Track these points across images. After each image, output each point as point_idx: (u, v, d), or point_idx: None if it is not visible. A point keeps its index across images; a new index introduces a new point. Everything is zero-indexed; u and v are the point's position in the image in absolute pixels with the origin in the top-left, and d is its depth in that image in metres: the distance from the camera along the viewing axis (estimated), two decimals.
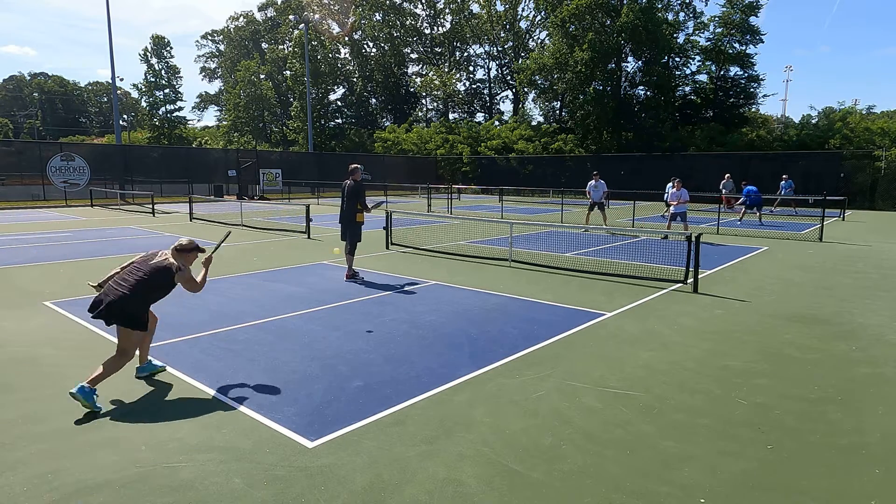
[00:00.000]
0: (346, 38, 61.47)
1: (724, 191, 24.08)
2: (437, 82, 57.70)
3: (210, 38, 79.32)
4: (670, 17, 41.96)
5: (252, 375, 5.05)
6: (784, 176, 24.32)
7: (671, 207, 15.18)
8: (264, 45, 69.46)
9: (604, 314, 7.29)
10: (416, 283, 9.11)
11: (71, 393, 4.23)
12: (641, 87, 42.39)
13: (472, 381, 4.98)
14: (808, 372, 5.32)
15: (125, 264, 4.86)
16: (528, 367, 5.35)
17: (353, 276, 9.44)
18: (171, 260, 4.76)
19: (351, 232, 9.53)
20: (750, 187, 20.18)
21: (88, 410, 4.26)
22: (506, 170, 42.23)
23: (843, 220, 22.15)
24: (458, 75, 60.45)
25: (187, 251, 4.90)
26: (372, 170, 42.07)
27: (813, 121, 39.08)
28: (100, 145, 54.10)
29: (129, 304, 4.50)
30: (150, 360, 5.10)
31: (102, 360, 4.55)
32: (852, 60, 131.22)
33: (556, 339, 6.19)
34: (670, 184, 21.31)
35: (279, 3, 69.44)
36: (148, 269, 4.68)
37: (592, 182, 17.29)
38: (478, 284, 9.07)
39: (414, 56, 64.31)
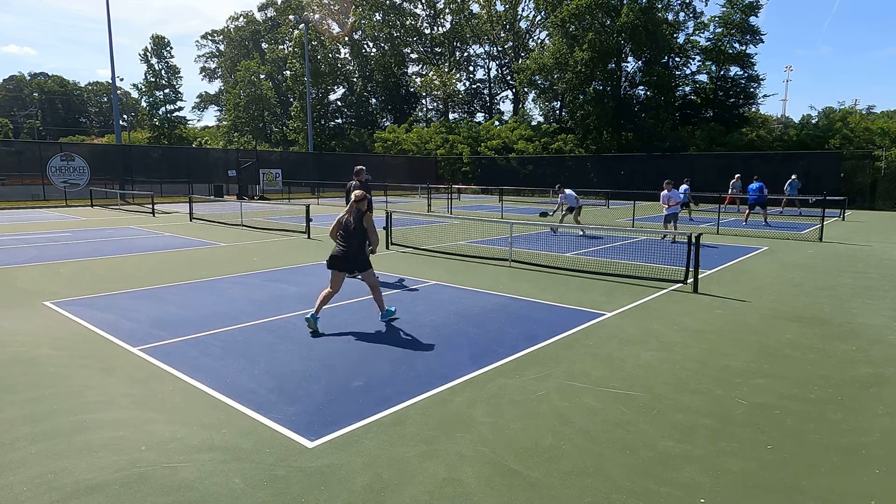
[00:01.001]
0: (346, 38, 61.47)
1: (732, 191, 24.11)
2: (437, 82, 57.70)
3: (210, 38, 79.36)
4: (670, 17, 41.98)
5: (252, 375, 5.05)
6: (793, 176, 24.10)
7: (665, 209, 14.56)
8: (264, 45, 69.42)
9: (604, 314, 7.30)
10: (416, 283, 9.11)
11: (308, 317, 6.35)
12: (641, 87, 42.41)
13: (472, 381, 4.98)
14: (808, 372, 5.32)
15: (337, 230, 6.50)
16: (528, 367, 5.35)
17: None
18: (359, 212, 6.51)
19: None
20: (752, 185, 19.93)
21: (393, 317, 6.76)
22: (506, 170, 42.23)
23: (843, 220, 22.15)
24: (458, 75, 60.48)
25: (363, 199, 6.57)
26: (372, 170, 42.02)
27: (813, 121, 39.11)
28: (100, 145, 54.14)
29: (360, 254, 6.48)
30: (389, 308, 6.87)
31: (102, 359, 4.60)
32: (852, 61, 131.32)
33: (556, 339, 6.19)
34: (683, 185, 21.31)
35: (279, 3, 69.45)
36: (356, 225, 6.46)
37: (562, 195, 16.38)
38: (478, 284, 9.07)
39: (414, 56, 64.36)
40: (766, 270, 10.61)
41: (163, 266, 10.62)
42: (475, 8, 58.78)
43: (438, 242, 14.00)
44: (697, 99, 42.67)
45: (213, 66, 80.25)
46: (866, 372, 5.34)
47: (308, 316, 6.34)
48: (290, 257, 11.75)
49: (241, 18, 72.80)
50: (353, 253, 6.42)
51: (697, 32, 41.95)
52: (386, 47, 60.95)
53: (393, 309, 6.95)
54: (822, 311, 7.62)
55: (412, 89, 62.38)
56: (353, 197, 6.59)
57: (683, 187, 21.12)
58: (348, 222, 6.48)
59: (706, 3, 76.80)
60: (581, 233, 16.30)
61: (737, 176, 24.85)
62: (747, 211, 20.08)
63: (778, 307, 7.79)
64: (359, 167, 9.66)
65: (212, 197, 30.96)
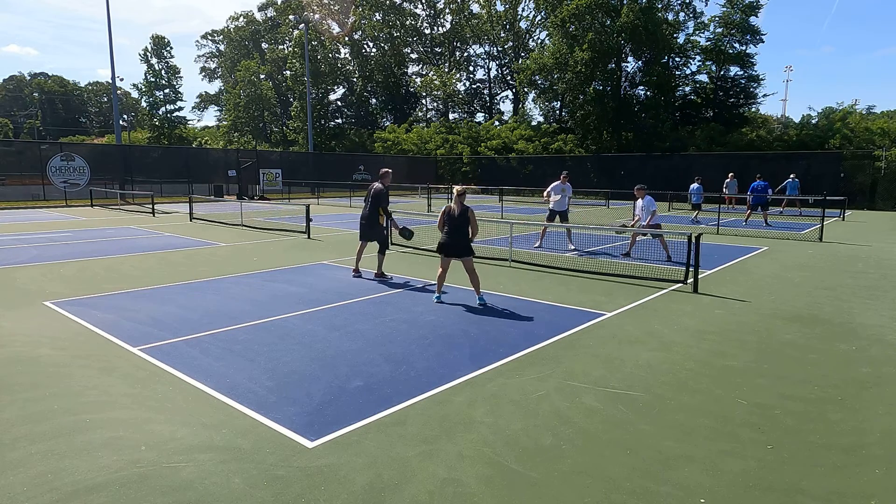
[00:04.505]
0: (346, 38, 61.45)
1: (726, 191, 23.99)
2: (437, 82, 57.67)
3: (210, 38, 79.27)
4: (670, 17, 42.01)
5: (252, 375, 5.05)
6: (791, 175, 23.51)
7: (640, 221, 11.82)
8: (264, 45, 69.41)
9: (604, 314, 7.29)
10: (417, 283, 9.11)
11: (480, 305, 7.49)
12: (641, 87, 42.39)
13: (472, 381, 4.98)
14: (808, 372, 5.32)
15: (445, 222, 7.67)
16: (528, 367, 5.35)
17: (381, 275, 9.59)
18: (463, 205, 7.67)
19: (376, 233, 9.69)
20: (755, 183, 19.56)
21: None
22: (506, 170, 42.24)
23: (843, 220, 22.15)
24: (458, 75, 60.44)
25: (464, 194, 7.76)
26: (372, 170, 42.09)
27: (813, 121, 39.09)
28: (100, 145, 54.06)
29: (463, 241, 7.64)
30: (482, 296, 7.65)
31: (101, 359, 4.62)
32: (852, 61, 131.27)
33: (556, 339, 6.19)
34: (695, 184, 20.83)
35: (279, 3, 69.40)
36: (463, 218, 7.60)
37: (558, 184, 13.21)
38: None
39: (414, 56, 64.31)
40: (766, 270, 10.61)
41: (163, 266, 10.62)
42: (475, 8, 58.85)
43: None
44: (697, 99, 42.68)
45: (213, 66, 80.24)
46: (866, 372, 5.34)
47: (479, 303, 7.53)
48: (290, 257, 11.75)
49: (241, 18, 72.76)
50: (462, 243, 7.65)
51: (697, 32, 42.00)
52: (386, 47, 60.92)
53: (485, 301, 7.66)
54: (822, 311, 7.62)
55: (412, 89, 62.34)
56: (459, 191, 7.71)
57: (695, 186, 20.67)
58: (459, 218, 7.62)
59: (706, 3, 76.67)
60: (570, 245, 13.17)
61: (730, 175, 24.67)
62: (748, 211, 19.90)
63: (778, 307, 7.79)
64: (384, 170, 9.81)
65: (212, 197, 30.94)
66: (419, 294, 8.39)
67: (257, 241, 14.39)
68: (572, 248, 13.05)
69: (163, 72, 55.14)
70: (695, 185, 20.65)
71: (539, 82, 45.66)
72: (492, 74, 62.22)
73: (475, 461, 3.65)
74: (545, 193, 13.61)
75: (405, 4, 61.31)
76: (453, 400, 4.59)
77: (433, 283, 9.17)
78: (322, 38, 56.59)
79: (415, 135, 49.65)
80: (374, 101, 63.21)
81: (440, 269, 7.86)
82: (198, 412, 4.31)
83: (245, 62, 60.47)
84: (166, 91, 55.59)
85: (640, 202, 11.79)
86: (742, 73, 40.58)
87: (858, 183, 29.34)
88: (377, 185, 9.62)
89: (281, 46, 66.18)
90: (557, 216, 13.40)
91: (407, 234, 9.96)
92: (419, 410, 4.39)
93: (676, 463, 3.66)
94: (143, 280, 9.27)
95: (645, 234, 12.23)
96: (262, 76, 62.07)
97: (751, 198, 19.47)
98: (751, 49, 39.83)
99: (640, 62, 42.15)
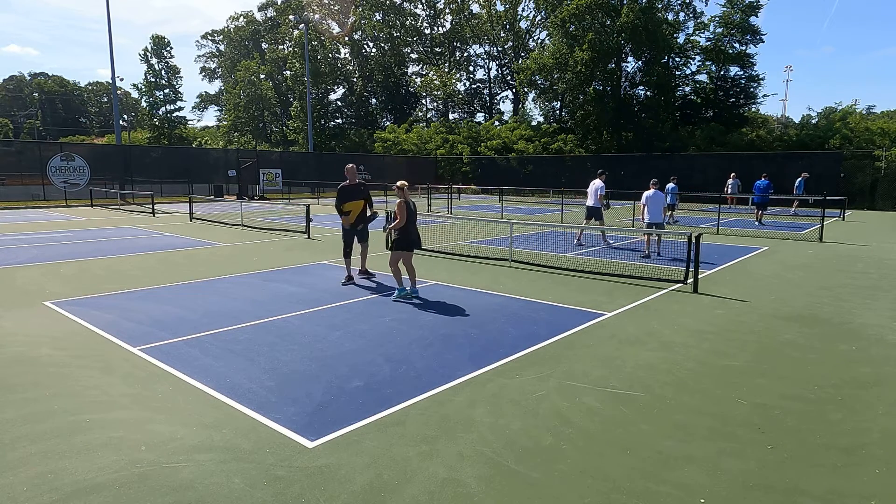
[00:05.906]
0: (346, 38, 61.46)
1: (728, 190, 23.95)
2: (437, 82, 57.65)
3: (210, 38, 79.33)
4: (670, 17, 41.94)
5: (252, 375, 5.05)
6: (804, 174, 22.92)
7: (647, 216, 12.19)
8: (264, 45, 69.40)
9: (604, 314, 7.29)
10: (417, 284, 9.09)
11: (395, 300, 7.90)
12: (641, 87, 42.37)
13: (472, 381, 4.98)
14: (808, 372, 5.32)
15: (409, 218, 7.87)
16: (528, 367, 5.35)
17: (349, 278, 9.38)
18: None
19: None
20: (758, 182, 19.34)
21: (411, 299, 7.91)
22: (506, 170, 42.22)
23: (843, 220, 22.14)
24: (458, 75, 60.43)
25: (401, 188, 7.88)
26: (372, 170, 42.10)
27: (813, 121, 39.08)
28: (100, 145, 54.08)
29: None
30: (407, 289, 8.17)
31: (102, 359, 4.62)
32: (852, 61, 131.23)
33: (556, 339, 6.19)
34: (670, 184, 20.36)
35: (279, 3, 69.43)
36: (416, 210, 8.06)
37: (600, 183, 13.96)
38: (478, 284, 9.07)
39: (414, 56, 64.27)
40: (766, 270, 10.61)
41: (163, 266, 10.62)
42: (475, 8, 58.82)
43: (438, 242, 13.99)
44: (697, 99, 42.63)
45: (213, 66, 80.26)
46: (866, 372, 5.34)
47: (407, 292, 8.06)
48: (290, 257, 11.75)
49: (241, 18, 72.80)
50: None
51: (697, 32, 41.93)
52: (386, 47, 60.91)
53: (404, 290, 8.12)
54: (822, 311, 7.62)
55: (412, 89, 62.32)
56: (403, 186, 7.80)
57: (670, 186, 19.23)
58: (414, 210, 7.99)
59: (706, 3, 76.53)
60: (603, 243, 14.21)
61: (732, 175, 24.59)
62: (757, 210, 19.68)
63: (778, 307, 7.78)
64: (347, 166, 9.86)
65: (212, 197, 30.94)
66: (419, 294, 8.39)
67: (257, 241, 14.39)
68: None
69: (163, 72, 55.13)
70: (670, 185, 19.29)
71: (539, 82, 45.63)
72: (492, 74, 62.27)
73: (475, 461, 3.65)
74: (601, 196, 13.99)
75: (405, 4, 61.30)
76: (453, 400, 4.59)
77: (433, 282, 9.18)
78: (322, 38, 56.59)
79: (415, 135, 49.63)
80: (374, 101, 63.22)
81: (408, 266, 8.10)
82: (198, 412, 4.31)
83: (245, 62, 60.49)
84: (166, 91, 55.59)
85: (649, 193, 12.22)
86: (742, 73, 40.55)
87: (858, 183, 29.31)
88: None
89: (281, 46, 66.14)
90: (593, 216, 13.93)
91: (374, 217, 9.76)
92: (419, 410, 4.39)
93: (676, 463, 3.66)
94: (143, 280, 9.27)
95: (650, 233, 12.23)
96: (262, 76, 62.04)
97: (756, 197, 19.42)
98: (751, 49, 39.83)
99: (640, 62, 42.11)
